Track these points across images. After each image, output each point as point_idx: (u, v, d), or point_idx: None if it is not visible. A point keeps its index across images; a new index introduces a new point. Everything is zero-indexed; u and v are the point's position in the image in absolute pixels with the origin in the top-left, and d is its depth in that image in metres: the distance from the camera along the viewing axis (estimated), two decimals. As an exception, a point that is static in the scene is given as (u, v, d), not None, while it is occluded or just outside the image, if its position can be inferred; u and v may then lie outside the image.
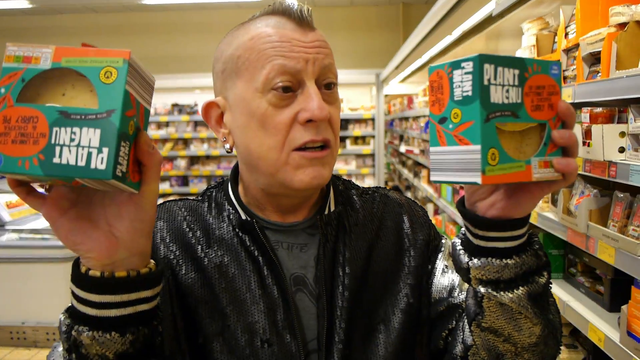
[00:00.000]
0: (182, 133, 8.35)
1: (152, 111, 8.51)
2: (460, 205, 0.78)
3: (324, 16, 9.32)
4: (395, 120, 8.75)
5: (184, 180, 8.53)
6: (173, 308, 0.87)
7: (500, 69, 0.60)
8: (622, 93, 1.47)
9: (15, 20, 9.56)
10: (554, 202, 2.15)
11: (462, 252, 0.77)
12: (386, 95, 8.64)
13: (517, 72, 0.62)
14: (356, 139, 8.21)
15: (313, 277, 0.92)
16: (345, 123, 8.14)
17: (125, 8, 9.19)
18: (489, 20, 2.90)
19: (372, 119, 8.08)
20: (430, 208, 5.22)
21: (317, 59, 0.85)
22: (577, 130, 1.75)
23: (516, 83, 0.62)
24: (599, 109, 1.73)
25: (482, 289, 0.75)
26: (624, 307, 1.44)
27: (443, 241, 1.04)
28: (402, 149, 7.08)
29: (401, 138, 7.96)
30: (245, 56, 0.86)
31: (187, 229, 0.94)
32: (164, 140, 8.51)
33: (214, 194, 1.01)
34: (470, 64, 0.59)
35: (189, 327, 0.88)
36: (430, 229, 1.04)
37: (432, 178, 0.66)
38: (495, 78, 0.60)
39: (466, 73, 0.60)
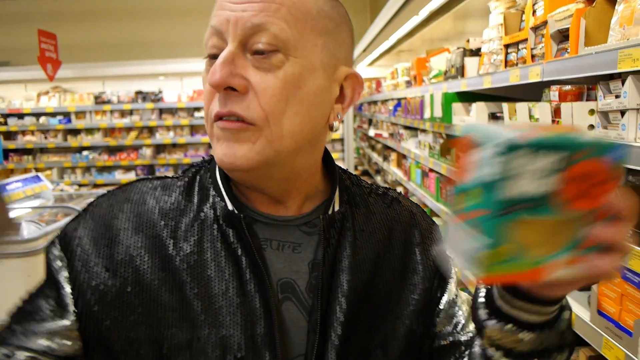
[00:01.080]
0: (147, 121, 8.16)
1: (115, 99, 8.30)
2: None
3: None
4: (364, 104, 8.72)
5: (149, 170, 8.35)
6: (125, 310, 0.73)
7: (537, 154, 0.49)
8: (591, 70, 1.45)
9: (-34, 6, 9.15)
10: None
11: (482, 305, 0.67)
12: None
13: (560, 155, 0.50)
14: (325, 124, 8.16)
15: (306, 285, 0.78)
16: (314, 108, 8.06)
17: (84, -8, 8.88)
18: (456, -1, 2.87)
19: (341, 104, 8.03)
20: (399, 191, 5.22)
21: (241, 18, 0.68)
22: (546, 109, 1.73)
23: (556, 168, 0.50)
24: (568, 87, 1.71)
25: (493, 353, 0.68)
26: (594, 286, 1.43)
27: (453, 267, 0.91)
28: (371, 132, 7.06)
29: (370, 122, 7.94)
30: None
31: (159, 217, 0.77)
32: (128, 129, 8.30)
33: (200, 173, 0.84)
34: (501, 145, 0.49)
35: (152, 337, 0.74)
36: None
37: (447, 249, 0.58)
38: (527, 165, 0.50)
39: (495, 154, 0.49)
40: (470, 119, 2.61)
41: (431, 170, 3.64)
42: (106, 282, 0.73)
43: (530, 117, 1.95)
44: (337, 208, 0.83)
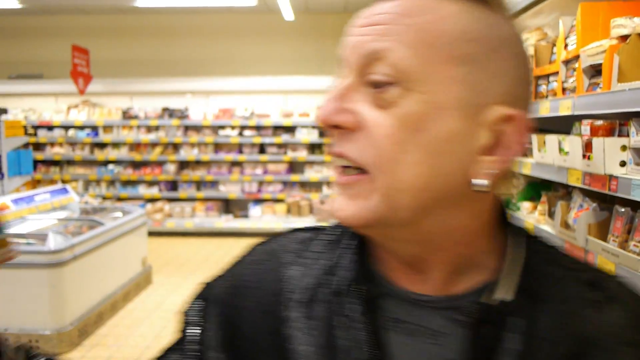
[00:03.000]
0: (172, 137, 8.28)
1: (142, 114, 8.45)
2: None
3: (317, 22, 9.31)
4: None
5: (173, 185, 8.45)
6: None
7: None
8: (624, 106, 1.45)
9: (4, 21, 9.45)
10: (551, 215, 2.13)
11: None
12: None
13: None
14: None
15: None
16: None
17: (117, 10, 9.12)
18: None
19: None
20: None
21: (360, 43, 0.56)
22: (577, 143, 1.72)
23: None
24: (600, 122, 1.71)
25: None
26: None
27: None
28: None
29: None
30: None
31: (281, 296, 0.66)
32: (154, 145, 8.42)
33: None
34: None
35: None
36: None
37: None
38: None
39: None
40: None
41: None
42: None
43: (560, 150, 1.95)
44: (504, 296, 0.58)
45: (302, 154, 8.13)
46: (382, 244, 0.62)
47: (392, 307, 0.61)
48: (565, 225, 1.88)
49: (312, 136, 8.06)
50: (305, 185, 8.43)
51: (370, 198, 0.55)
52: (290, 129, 8.22)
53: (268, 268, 0.69)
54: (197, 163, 8.49)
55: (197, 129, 8.36)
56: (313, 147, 8.26)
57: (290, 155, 8.14)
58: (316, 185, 8.38)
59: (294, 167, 8.39)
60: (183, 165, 8.53)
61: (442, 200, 0.56)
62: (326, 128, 0.58)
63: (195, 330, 0.70)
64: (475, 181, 0.55)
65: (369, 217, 0.56)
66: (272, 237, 0.76)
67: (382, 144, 0.54)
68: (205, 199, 8.38)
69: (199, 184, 8.42)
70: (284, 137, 8.11)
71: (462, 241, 0.59)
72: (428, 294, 0.60)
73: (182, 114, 8.28)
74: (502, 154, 0.56)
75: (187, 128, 8.37)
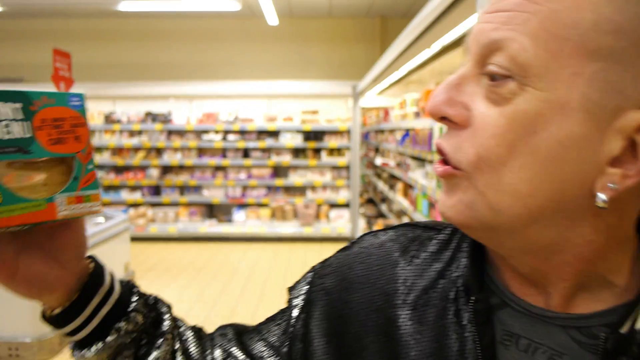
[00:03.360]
0: (155, 142, 8.22)
1: (125, 119, 8.39)
2: None
3: (301, 27, 9.33)
4: (371, 133, 8.78)
5: (156, 190, 8.38)
6: None
7: None
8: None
9: (-16, 23, 9.32)
10: None
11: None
12: (362, 107, 8.67)
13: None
14: (331, 151, 8.21)
15: None
16: (322, 134, 8.13)
17: (99, 14, 9.04)
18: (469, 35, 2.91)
19: (348, 131, 8.10)
20: (405, 221, 5.22)
21: (482, 31, 0.51)
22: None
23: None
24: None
25: None
26: None
27: None
28: (378, 161, 7.10)
29: (377, 150, 7.98)
30: None
31: (399, 287, 0.64)
32: (137, 149, 8.36)
33: None
34: None
35: None
36: None
37: None
38: None
39: None
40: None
41: (436, 202, 3.64)
42: None
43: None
44: None
45: (286, 159, 8.12)
46: (496, 251, 0.57)
47: (507, 318, 0.57)
48: None
49: (296, 141, 8.06)
50: (289, 189, 8.42)
51: (467, 193, 0.52)
52: (274, 134, 8.22)
53: (378, 264, 0.67)
54: (181, 168, 8.44)
55: (181, 133, 8.32)
56: (297, 152, 8.26)
57: (274, 159, 8.13)
58: (300, 190, 8.37)
59: (278, 171, 8.38)
60: (166, 170, 8.47)
61: (555, 211, 0.50)
62: (435, 119, 0.54)
63: (298, 314, 0.71)
64: (599, 195, 0.48)
65: (467, 214, 0.52)
66: (382, 229, 0.74)
67: (485, 144, 0.50)
68: (189, 204, 8.33)
69: (183, 189, 8.37)
70: (268, 142, 8.10)
71: (586, 257, 0.52)
72: (548, 308, 0.55)
73: (165, 119, 8.23)
74: (634, 168, 0.47)
75: (170, 132, 8.32)
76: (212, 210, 8.55)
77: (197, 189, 8.32)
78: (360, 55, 9.31)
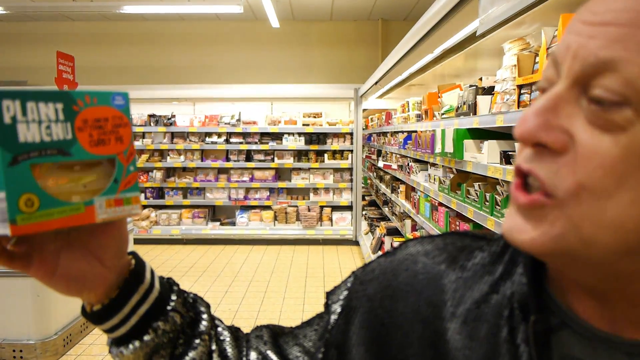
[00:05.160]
0: (159, 144, 8.25)
1: (128, 121, 8.40)
2: None
3: (303, 30, 9.36)
4: (373, 135, 8.79)
5: (159, 192, 8.41)
6: None
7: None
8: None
9: (-12, 27, 9.37)
10: None
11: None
12: (364, 110, 8.69)
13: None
14: (334, 153, 8.23)
15: None
16: (324, 137, 8.15)
17: (103, 17, 9.08)
18: (471, 39, 2.93)
19: (350, 134, 8.11)
20: (408, 224, 5.23)
21: (584, 47, 0.44)
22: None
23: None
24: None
25: None
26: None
27: None
28: (380, 164, 7.11)
29: (379, 153, 8.00)
30: None
31: (446, 301, 0.60)
32: (140, 152, 8.38)
33: None
34: None
35: None
36: None
37: None
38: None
39: None
40: (482, 156, 2.65)
41: (440, 204, 3.66)
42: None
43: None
44: None
45: (288, 161, 8.15)
46: (563, 271, 0.53)
47: (569, 341, 0.52)
48: None
49: (299, 143, 8.08)
50: (292, 192, 8.44)
51: (555, 225, 0.46)
52: (277, 136, 8.24)
53: (425, 272, 0.64)
54: (184, 170, 8.46)
55: (184, 135, 8.34)
56: (300, 154, 8.28)
57: (277, 162, 8.15)
58: (303, 192, 8.39)
59: (281, 174, 8.40)
60: (169, 172, 8.50)
61: None
62: (526, 145, 0.48)
63: (336, 320, 0.69)
64: None
65: (551, 247, 0.47)
66: (427, 236, 0.71)
67: (592, 174, 0.44)
68: (192, 206, 8.35)
69: (186, 191, 8.39)
70: (271, 144, 8.12)
71: None
72: (618, 334, 0.50)
73: (169, 121, 8.25)
74: None
75: (173, 135, 8.35)
76: (215, 213, 8.57)
77: (200, 191, 8.34)
78: (362, 58, 9.34)
